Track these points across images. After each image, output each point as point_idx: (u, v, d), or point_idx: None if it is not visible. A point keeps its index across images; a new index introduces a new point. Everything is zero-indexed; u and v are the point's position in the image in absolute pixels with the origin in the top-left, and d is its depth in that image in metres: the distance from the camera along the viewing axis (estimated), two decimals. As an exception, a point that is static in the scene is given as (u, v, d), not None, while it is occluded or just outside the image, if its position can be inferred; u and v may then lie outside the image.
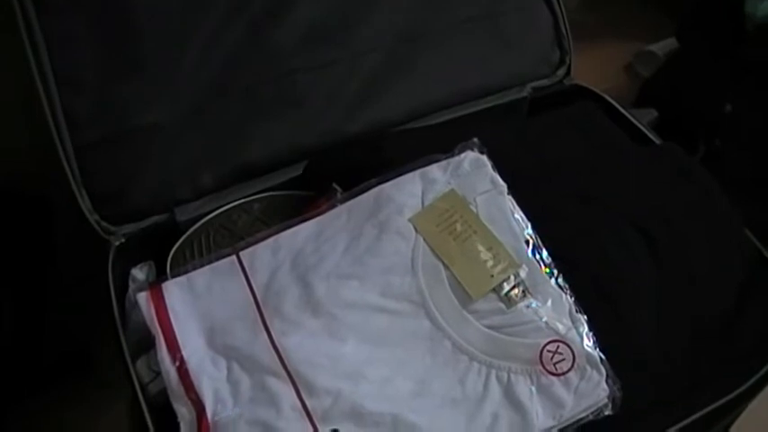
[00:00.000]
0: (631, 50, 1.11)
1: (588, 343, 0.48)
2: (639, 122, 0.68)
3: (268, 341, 0.48)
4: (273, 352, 0.48)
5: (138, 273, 0.59)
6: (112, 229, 0.59)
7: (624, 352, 0.50)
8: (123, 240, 0.59)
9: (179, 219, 0.60)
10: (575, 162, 0.60)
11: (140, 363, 0.52)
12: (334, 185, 0.57)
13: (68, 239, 0.62)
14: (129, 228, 0.60)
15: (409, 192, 0.53)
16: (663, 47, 1.05)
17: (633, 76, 1.09)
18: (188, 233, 0.59)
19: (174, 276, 0.53)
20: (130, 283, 0.58)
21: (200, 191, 0.61)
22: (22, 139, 0.66)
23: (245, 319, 0.50)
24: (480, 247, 0.50)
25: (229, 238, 0.59)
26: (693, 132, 0.84)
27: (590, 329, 0.49)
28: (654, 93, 0.97)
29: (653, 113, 0.73)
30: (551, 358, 0.47)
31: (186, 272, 0.53)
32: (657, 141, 0.67)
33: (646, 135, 0.68)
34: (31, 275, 0.71)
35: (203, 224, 0.60)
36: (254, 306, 0.51)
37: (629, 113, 0.69)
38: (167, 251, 0.59)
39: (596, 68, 0.87)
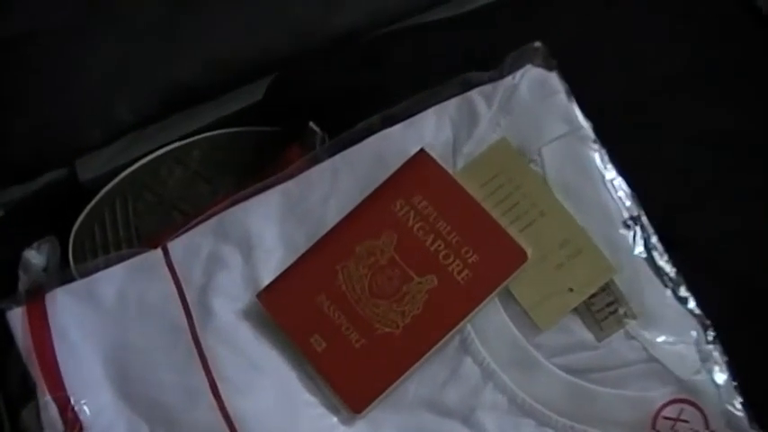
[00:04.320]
0: None
1: (731, 395, 0.33)
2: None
3: (213, 400, 0.36)
4: (222, 420, 0.35)
5: (34, 256, 0.47)
6: (-14, 196, 0.49)
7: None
8: (2, 213, 0.51)
9: (83, 177, 0.50)
10: (686, 69, 0.44)
11: (27, 412, 0.40)
12: (312, 125, 0.44)
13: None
14: (13, 193, 0.51)
15: (432, 139, 0.39)
16: None
17: None
18: (95, 200, 0.48)
19: (81, 274, 0.40)
20: (21, 275, 0.46)
21: (111, 130, 0.51)
22: None
23: (175, 354, 0.37)
24: (551, 240, 0.36)
25: (157, 204, 0.48)
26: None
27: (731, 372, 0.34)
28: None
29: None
30: (672, 426, 0.33)
31: (89, 272, 0.40)
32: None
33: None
34: None
35: (118, 184, 0.48)
36: (189, 333, 0.37)
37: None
38: (71, 224, 0.48)
39: None
